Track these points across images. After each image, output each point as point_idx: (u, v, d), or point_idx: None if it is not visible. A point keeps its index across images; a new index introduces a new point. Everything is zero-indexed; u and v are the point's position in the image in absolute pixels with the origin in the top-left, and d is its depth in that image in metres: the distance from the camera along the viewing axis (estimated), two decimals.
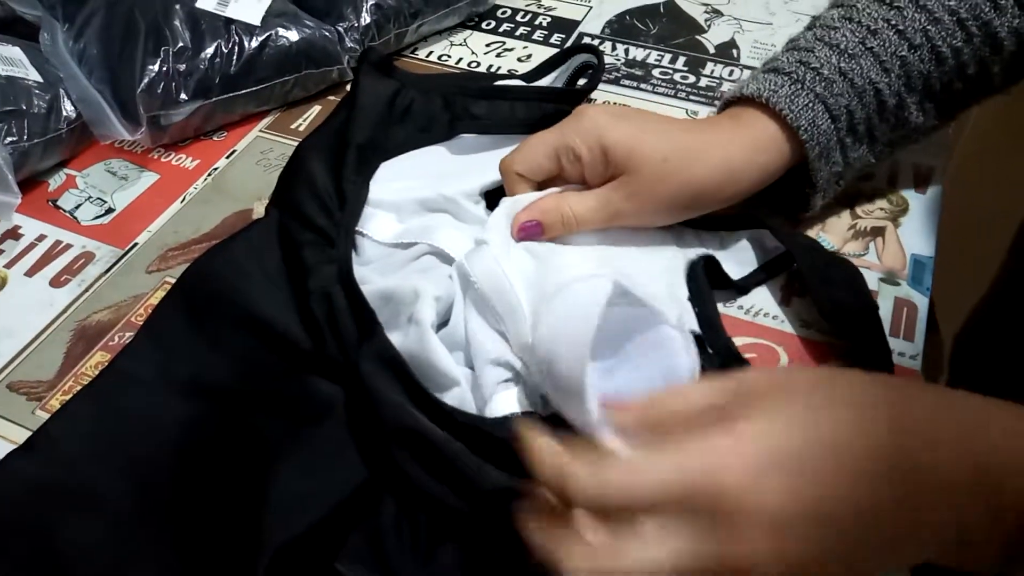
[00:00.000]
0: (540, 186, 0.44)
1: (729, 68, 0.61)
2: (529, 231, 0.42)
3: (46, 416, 0.41)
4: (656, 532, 0.25)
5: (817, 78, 0.42)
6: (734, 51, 0.63)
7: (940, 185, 0.52)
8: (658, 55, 0.63)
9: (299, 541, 0.34)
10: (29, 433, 0.41)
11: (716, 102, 0.51)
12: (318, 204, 0.45)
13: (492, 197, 0.46)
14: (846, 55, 0.42)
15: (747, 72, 0.60)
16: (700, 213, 0.44)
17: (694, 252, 0.45)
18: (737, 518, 0.25)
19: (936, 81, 0.43)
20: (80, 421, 0.40)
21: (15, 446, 0.40)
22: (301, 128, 0.58)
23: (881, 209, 0.50)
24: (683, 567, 0.25)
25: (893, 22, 0.42)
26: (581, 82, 0.56)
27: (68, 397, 0.42)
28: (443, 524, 0.34)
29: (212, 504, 0.37)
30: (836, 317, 0.43)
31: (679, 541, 0.25)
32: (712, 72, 0.61)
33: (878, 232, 0.49)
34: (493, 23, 0.67)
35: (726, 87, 0.59)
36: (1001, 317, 0.66)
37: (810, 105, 0.42)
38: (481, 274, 0.40)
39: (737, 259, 0.46)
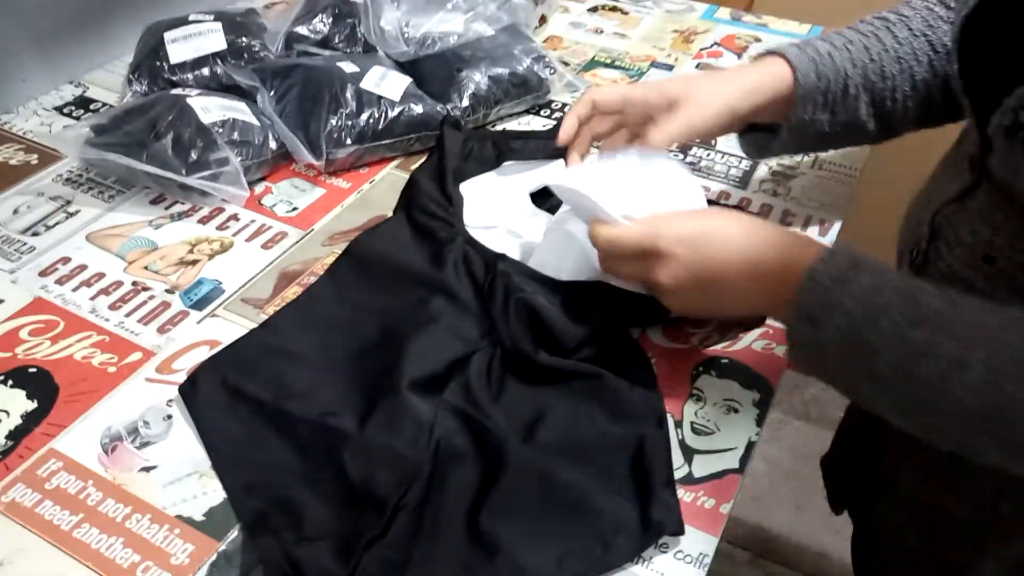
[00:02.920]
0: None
1: (708, 151, 0.90)
2: None
3: (265, 317, 0.69)
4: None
5: (815, 53, 0.68)
6: (712, 141, 0.92)
7: (836, 233, 0.79)
8: None
9: (424, 379, 0.61)
10: (255, 325, 0.68)
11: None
12: (435, 203, 0.74)
13: (536, 197, 0.77)
14: (835, 48, 0.68)
15: (718, 154, 0.89)
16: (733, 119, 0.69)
17: None
18: (661, 260, 0.56)
19: (879, 92, 0.68)
20: (289, 316, 0.68)
21: (247, 330, 0.68)
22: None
23: None
24: (635, 275, 0.58)
25: (864, 43, 0.68)
26: None
27: (277, 308, 0.70)
28: (514, 373, 0.62)
29: (371, 361, 0.64)
30: None
31: (635, 266, 0.58)
32: (695, 153, 0.90)
33: None
34: (548, 111, 0.97)
35: (704, 163, 0.88)
36: None
37: (807, 62, 0.67)
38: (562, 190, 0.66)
39: None
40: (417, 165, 0.86)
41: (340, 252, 0.74)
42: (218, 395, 0.61)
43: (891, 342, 0.47)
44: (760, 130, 0.72)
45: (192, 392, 0.62)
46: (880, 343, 0.48)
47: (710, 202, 0.69)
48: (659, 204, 0.61)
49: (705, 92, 0.67)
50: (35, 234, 0.78)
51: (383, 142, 0.87)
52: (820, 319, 0.50)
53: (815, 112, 0.68)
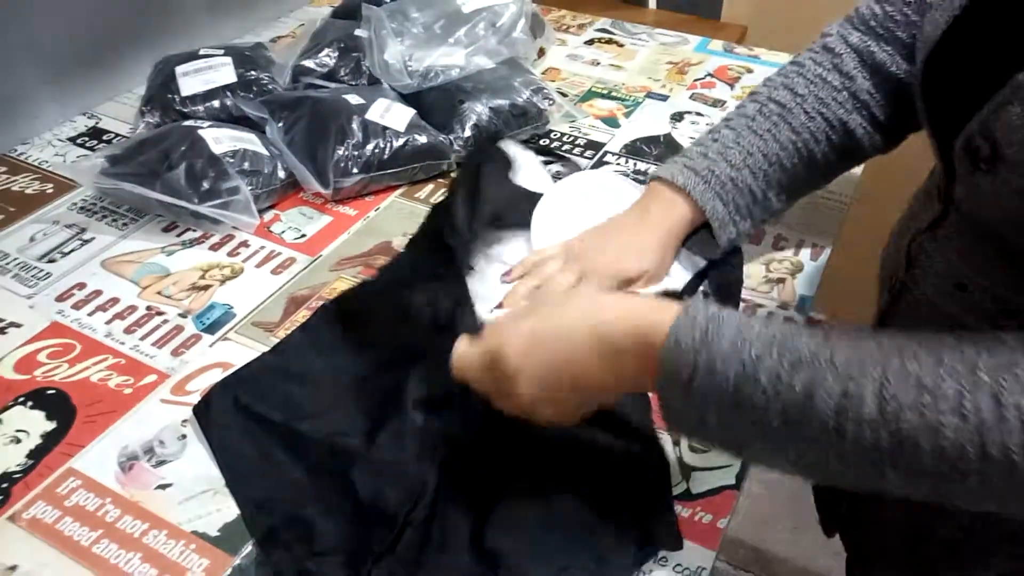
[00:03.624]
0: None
1: None
2: None
3: (275, 340, 0.71)
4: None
5: (718, 185, 0.72)
6: None
7: (826, 256, 0.82)
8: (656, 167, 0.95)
9: (428, 399, 0.63)
10: (266, 348, 0.71)
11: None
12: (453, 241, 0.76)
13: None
14: (734, 168, 0.71)
15: None
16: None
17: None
18: (510, 368, 0.52)
19: (786, 181, 0.72)
20: (297, 340, 0.71)
21: (258, 354, 0.70)
22: (421, 196, 0.91)
23: (785, 268, 0.80)
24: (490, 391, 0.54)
25: (762, 151, 0.71)
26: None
27: (287, 332, 0.72)
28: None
29: (377, 382, 0.66)
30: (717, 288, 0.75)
31: (489, 382, 0.54)
32: None
33: (781, 280, 0.79)
34: (548, 141, 1.00)
35: None
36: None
37: (711, 198, 0.72)
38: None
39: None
40: (428, 196, 0.88)
41: (348, 282, 0.77)
42: (231, 415, 0.64)
43: (773, 392, 0.44)
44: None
45: (206, 412, 0.64)
46: (762, 396, 0.44)
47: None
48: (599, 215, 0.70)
49: (654, 268, 0.73)
50: (51, 261, 0.81)
51: (388, 171, 0.90)
52: (691, 383, 0.46)
53: (735, 227, 0.74)
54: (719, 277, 0.77)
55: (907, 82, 0.69)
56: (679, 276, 0.76)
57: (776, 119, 0.72)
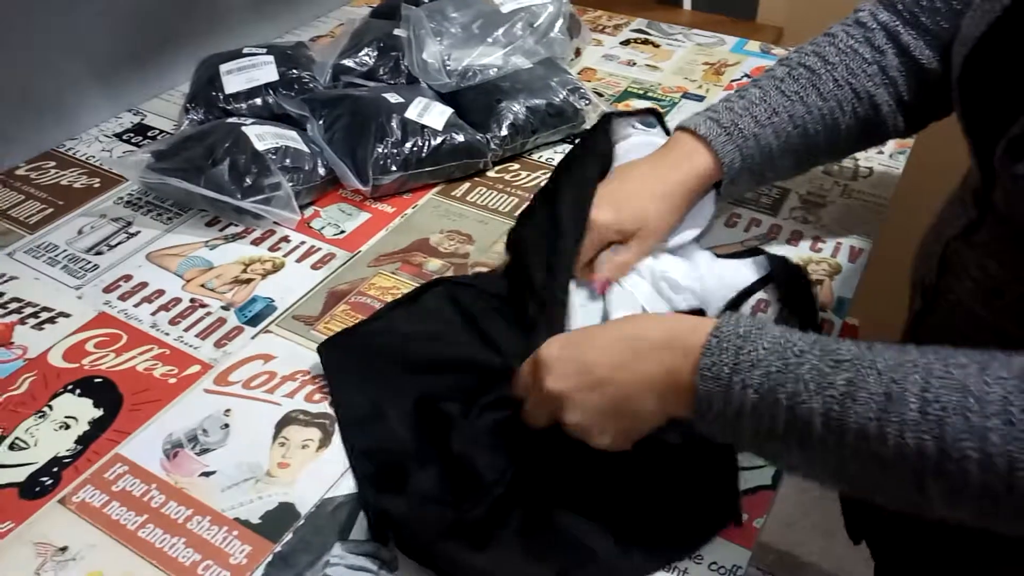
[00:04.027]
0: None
1: None
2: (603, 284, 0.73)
3: (317, 334, 0.73)
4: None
5: (740, 138, 0.71)
6: None
7: (865, 258, 0.81)
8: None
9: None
10: (308, 342, 0.72)
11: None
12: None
13: None
14: (760, 124, 0.71)
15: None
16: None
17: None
18: (544, 366, 0.54)
19: (804, 148, 0.72)
20: (400, 314, 0.73)
21: (299, 347, 0.71)
22: (458, 195, 0.92)
23: (823, 270, 0.80)
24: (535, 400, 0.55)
25: (788, 112, 0.71)
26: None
27: (328, 326, 0.74)
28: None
29: (472, 363, 0.67)
30: (793, 306, 0.73)
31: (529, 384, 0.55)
32: None
33: (819, 282, 0.78)
34: None
35: None
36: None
37: (732, 150, 0.71)
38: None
39: (744, 274, 0.76)
40: (464, 194, 0.89)
41: (386, 278, 0.78)
42: (351, 363, 0.68)
43: (815, 387, 0.43)
44: None
45: (331, 353, 0.68)
46: (803, 391, 0.43)
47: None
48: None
49: (654, 221, 0.72)
50: (98, 253, 0.83)
51: (426, 169, 0.91)
52: (733, 376, 0.45)
53: (742, 185, 0.74)
54: (791, 294, 0.75)
55: (928, 69, 0.70)
56: (742, 275, 0.76)
57: (805, 83, 0.72)
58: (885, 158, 0.96)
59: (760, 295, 0.75)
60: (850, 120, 0.72)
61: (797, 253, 0.82)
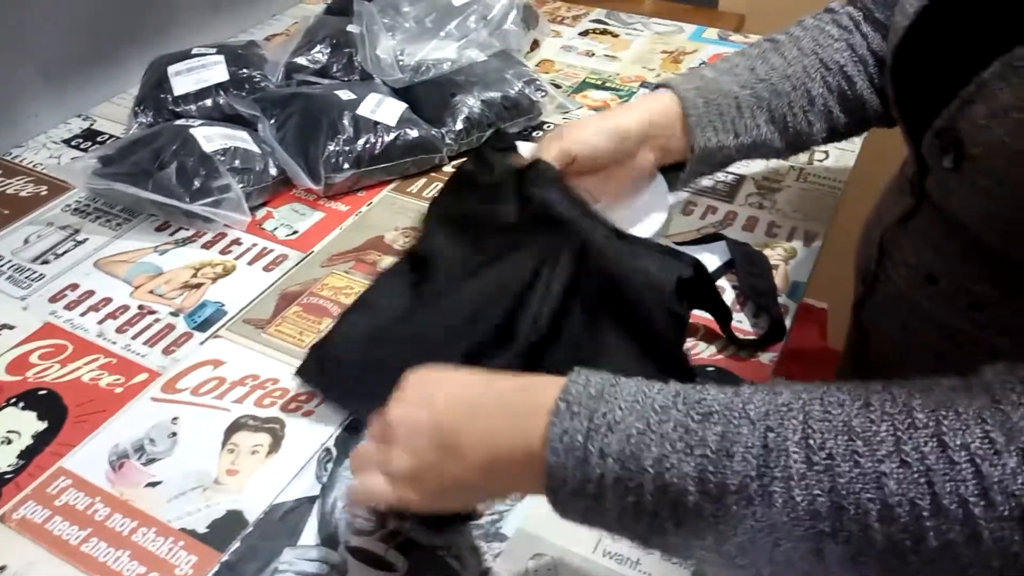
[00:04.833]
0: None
1: None
2: None
3: (268, 337, 0.71)
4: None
5: (699, 80, 0.70)
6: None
7: (819, 242, 0.81)
8: None
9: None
10: (259, 346, 0.71)
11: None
12: None
13: None
14: (719, 72, 0.70)
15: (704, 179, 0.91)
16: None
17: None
18: (392, 427, 0.46)
19: (778, 110, 0.70)
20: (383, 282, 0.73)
21: (249, 351, 0.70)
22: (413, 191, 0.90)
23: (779, 255, 0.80)
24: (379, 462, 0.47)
25: (749, 65, 0.70)
26: None
27: (279, 329, 0.72)
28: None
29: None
30: (751, 292, 0.72)
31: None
32: None
33: (775, 267, 0.78)
34: (541, 133, 1.00)
35: None
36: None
37: (691, 90, 0.69)
38: None
39: (705, 261, 0.76)
40: (420, 191, 0.88)
41: (340, 278, 0.77)
42: (334, 367, 0.66)
43: (684, 447, 0.37)
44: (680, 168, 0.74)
45: (312, 372, 0.67)
46: (671, 453, 0.37)
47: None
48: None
49: (591, 119, 0.70)
50: (45, 262, 0.81)
51: (380, 166, 0.89)
52: (587, 446, 0.38)
53: (716, 136, 0.70)
54: (752, 280, 0.75)
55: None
56: (704, 262, 0.75)
57: (768, 48, 0.71)
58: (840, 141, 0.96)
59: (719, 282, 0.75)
60: (820, 87, 0.70)
61: (753, 239, 0.81)
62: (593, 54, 1.18)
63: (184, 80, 0.97)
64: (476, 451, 0.43)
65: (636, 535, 0.40)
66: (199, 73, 0.98)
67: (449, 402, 0.45)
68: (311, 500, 0.59)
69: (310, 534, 0.56)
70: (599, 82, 1.10)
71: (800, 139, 0.73)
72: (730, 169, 0.91)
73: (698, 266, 0.65)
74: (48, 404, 0.66)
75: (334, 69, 1.02)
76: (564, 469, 0.39)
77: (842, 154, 0.94)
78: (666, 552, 0.43)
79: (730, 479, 0.36)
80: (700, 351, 0.70)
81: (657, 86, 0.74)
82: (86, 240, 0.84)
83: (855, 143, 0.95)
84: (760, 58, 0.71)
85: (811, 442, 0.35)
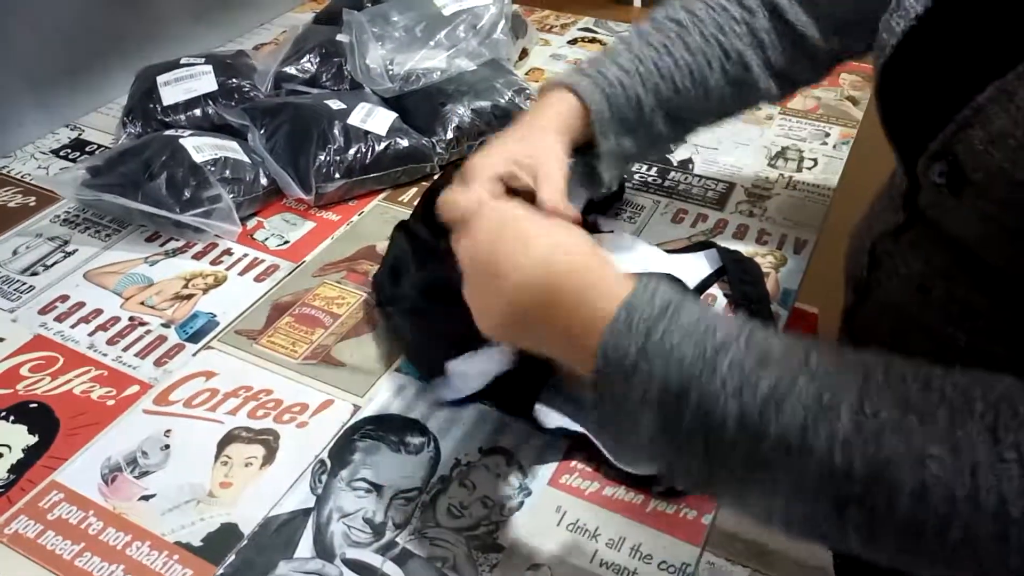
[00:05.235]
0: None
1: (685, 175, 0.93)
2: None
3: (260, 348, 0.71)
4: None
5: (606, 84, 0.66)
6: (690, 164, 0.95)
7: (809, 250, 0.82)
8: (638, 165, 0.95)
9: None
10: (251, 357, 0.71)
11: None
12: None
13: None
14: (625, 72, 0.66)
15: (695, 177, 0.92)
16: None
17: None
18: (468, 232, 0.48)
19: (675, 105, 0.67)
20: None
21: (241, 362, 0.70)
22: (404, 200, 0.91)
23: (769, 262, 0.80)
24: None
25: (655, 62, 0.66)
26: None
27: (272, 340, 0.72)
28: None
29: None
30: (743, 299, 0.73)
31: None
32: (673, 177, 0.93)
33: (765, 275, 0.79)
34: None
35: (682, 187, 0.91)
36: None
37: (599, 96, 0.65)
38: None
39: (697, 268, 0.76)
40: (411, 199, 0.88)
41: (332, 288, 0.77)
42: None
43: (733, 387, 0.37)
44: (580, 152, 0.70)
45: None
46: (718, 388, 0.37)
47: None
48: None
49: (547, 154, 0.63)
50: (34, 274, 0.81)
51: (371, 175, 0.90)
52: (637, 364, 0.39)
53: (617, 139, 0.68)
54: (743, 288, 0.75)
55: (802, 33, 0.67)
56: (696, 269, 0.76)
57: (672, 36, 0.68)
58: (829, 148, 0.97)
59: (711, 289, 0.76)
60: (719, 77, 0.68)
61: (744, 247, 0.82)
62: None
63: (173, 90, 0.96)
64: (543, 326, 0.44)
65: (660, 454, 0.41)
66: (188, 83, 0.97)
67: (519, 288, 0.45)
68: (306, 512, 0.58)
69: (306, 546, 0.56)
70: None
71: (687, 128, 0.71)
72: (720, 177, 0.92)
73: (674, 280, 0.66)
74: (39, 417, 0.66)
75: (324, 79, 1.02)
76: (610, 378, 0.40)
77: (831, 162, 0.94)
78: (678, 477, 0.44)
79: (773, 428, 0.36)
80: None
81: (558, 84, 0.67)
82: (76, 251, 0.83)
83: (843, 151, 0.96)
84: (665, 49, 0.67)
85: (866, 408, 0.35)
